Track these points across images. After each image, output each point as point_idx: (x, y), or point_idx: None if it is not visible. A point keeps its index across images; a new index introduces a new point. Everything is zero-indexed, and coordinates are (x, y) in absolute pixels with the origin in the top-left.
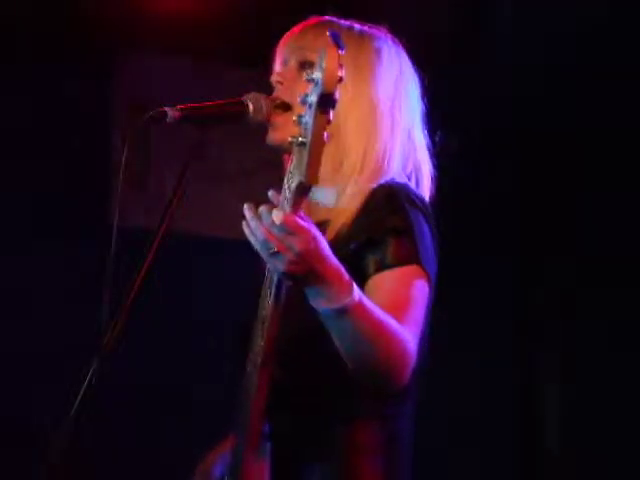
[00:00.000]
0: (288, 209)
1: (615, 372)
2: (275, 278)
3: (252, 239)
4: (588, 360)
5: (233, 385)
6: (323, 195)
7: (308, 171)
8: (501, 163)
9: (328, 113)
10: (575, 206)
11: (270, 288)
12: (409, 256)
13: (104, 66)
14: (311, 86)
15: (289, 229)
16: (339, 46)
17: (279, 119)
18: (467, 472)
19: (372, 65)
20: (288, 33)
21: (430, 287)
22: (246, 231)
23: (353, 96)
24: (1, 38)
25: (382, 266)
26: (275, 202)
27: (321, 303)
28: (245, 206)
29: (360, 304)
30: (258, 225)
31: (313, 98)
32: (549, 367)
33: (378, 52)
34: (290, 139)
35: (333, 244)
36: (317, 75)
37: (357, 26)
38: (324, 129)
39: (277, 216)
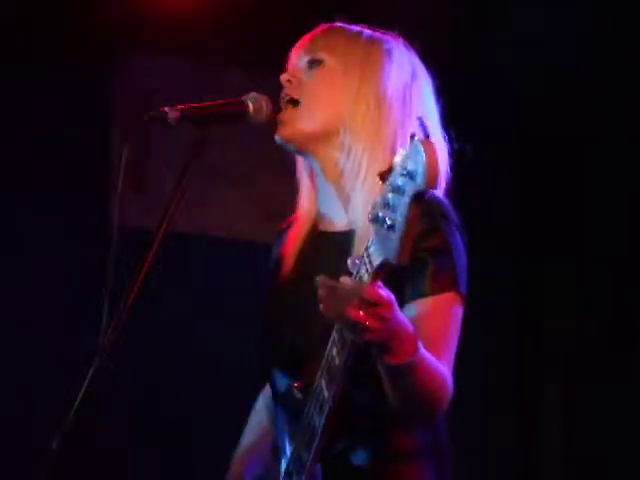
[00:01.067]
0: (369, 281)
1: (616, 372)
2: (349, 341)
3: (330, 312)
4: (589, 362)
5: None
6: (332, 197)
7: (402, 253)
8: (501, 163)
9: (420, 205)
10: (576, 205)
11: (342, 342)
12: (447, 283)
13: (104, 66)
14: (403, 176)
15: (376, 301)
16: (428, 135)
17: (286, 114)
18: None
19: (381, 64)
20: (299, 42)
21: (464, 308)
22: (324, 305)
23: (360, 92)
24: (1, 38)
25: (420, 294)
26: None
27: (388, 359)
28: (320, 281)
29: (422, 358)
30: (344, 304)
31: (408, 189)
32: (550, 371)
33: (388, 53)
34: (370, 216)
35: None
36: (414, 168)
37: (367, 31)
38: (417, 217)
39: (361, 291)
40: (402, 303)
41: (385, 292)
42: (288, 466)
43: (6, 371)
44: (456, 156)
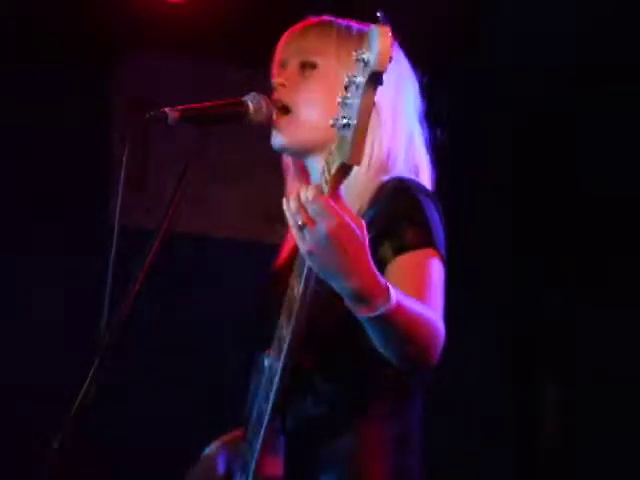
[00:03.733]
0: (326, 190)
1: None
2: (306, 263)
3: (287, 213)
4: (588, 362)
5: (236, 383)
6: None
7: (353, 151)
8: (500, 163)
9: (374, 94)
10: (574, 204)
11: (300, 271)
12: (425, 240)
13: (104, 66)
14: (359, 66)
15: (321, 208)
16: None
17: (282, 121)
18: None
19: None
20: (287, 33)
21: (445, 268)
22: (284, 207)
23: None
24: (1, 38)
25: (400, 250)
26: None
27: (358, 309)
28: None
29: (398, 308)
30: (294, 199)
31: (361, 79)
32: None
33: None
34: (332, 121)
35: None
36: (368, 55)
37: (355, 26)
38: (371, 110)
39: (311, 192)
40: (383, 265)
41: (339, 208)
42: (250, 428)
43: (6, 371)
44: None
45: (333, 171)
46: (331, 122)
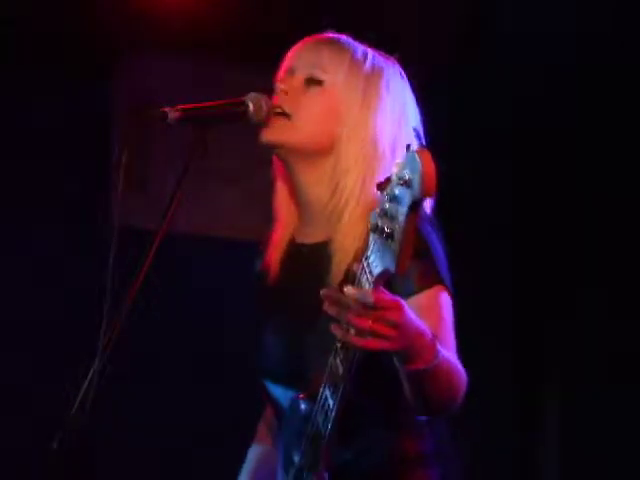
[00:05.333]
0: (371, 289)
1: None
2: (352, 349)
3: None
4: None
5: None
6: (313, 213)
7: (400, 263)
8: (500, 163)
9: (418, 214)
10: (573, 204)
11: (347, 356)
12: (432, 278)
13: (104, 66)
14: (399, 182)
15: (383, 305)
16: (423, 144)
17: (277, 121)
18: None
19: (380, 96)
20: (302, 42)
21: (453, 300)
22: (332, 312)
23: (359, 122)
24: (1, 38)
25: (409, 292)
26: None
27: (406, 365)
28: (324, 292)
29: (442, 361)
30: (346, 312)
31: (404, 198)
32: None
33: (387, 84)
34: (370, 225)
35: (349, 270)
36: (410, 176)
37: (370, 53)
38: (415, 227)
39: (366, 296)
40: None
41: (391, 296)
42: (296, 476)
43: (6, 371)
44: None
45: (376, 274)
46: (368, 225)
